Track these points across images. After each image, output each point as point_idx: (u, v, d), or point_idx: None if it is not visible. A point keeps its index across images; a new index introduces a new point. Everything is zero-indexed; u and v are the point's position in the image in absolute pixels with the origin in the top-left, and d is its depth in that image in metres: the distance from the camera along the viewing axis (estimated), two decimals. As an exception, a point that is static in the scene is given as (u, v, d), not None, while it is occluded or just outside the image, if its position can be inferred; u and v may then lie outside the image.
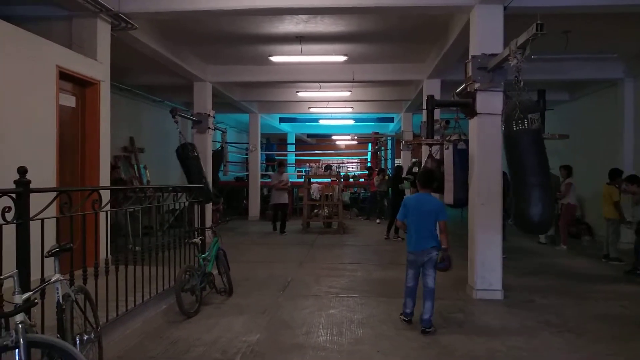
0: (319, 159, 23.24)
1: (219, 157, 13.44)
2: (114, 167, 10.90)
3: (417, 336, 4.86)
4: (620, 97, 10.70)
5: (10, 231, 3.12)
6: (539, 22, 4.72)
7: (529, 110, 5.06)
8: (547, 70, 10.06)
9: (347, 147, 27.01)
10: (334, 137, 25.46)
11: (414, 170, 14.62)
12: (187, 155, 9.63)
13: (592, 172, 11.92)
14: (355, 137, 21.46)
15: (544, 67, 9.82)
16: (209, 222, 9.82)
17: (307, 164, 18.85)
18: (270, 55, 9.89)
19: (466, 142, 7.07)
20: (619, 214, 8.56)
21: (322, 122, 21.30)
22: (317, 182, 14.57)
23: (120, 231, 8.59)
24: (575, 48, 8.32)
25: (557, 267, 8.44)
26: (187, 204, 6.78)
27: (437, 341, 4.72)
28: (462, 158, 7.07)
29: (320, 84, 12.92)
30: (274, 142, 24.75)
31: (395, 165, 16.36)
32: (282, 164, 14.11)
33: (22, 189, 3.17)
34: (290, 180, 20.64)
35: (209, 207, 11.12)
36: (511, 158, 5.34)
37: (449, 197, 7.63)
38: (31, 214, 3.25)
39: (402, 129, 16.09)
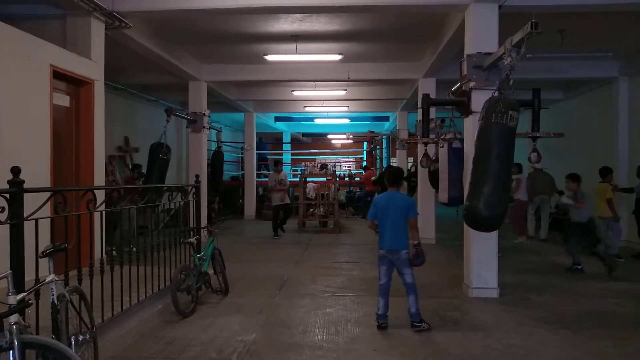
0: (315, 158, 23.21)
1: (219, 157, 13.44)
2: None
3: (413, 335, 4.86)
4: (614, 95, 10.75)
5: (4, 231, 3.10)
6: (534, 20, 4.72)
7: (510, 107, 5.04)
8: (542, 69, 10.09)
9: (343, 146, 27.02)
10: (329, 136, 25.45)
11: (412, 170, 14.71)
12: (157, 155, 9.54)
13: (587, 170, 11.94)
14: (351, 136, 21.45)
15: (539, 65, 9.86)
16: (204, 221, 9.79)
17: (303, 163, 18.78)
18: (266, 54, 9.86)
19: (461, 140, 7.07)
20: (612, 211, 8.58)
21: (317, 121, 21.28)
22: (312, 181, 14.56)
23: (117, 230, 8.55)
24: (570, 47, 8.36)
25: (553, 264, 8.48)
26: (181, 203, 6.77)
27: (433, 339, 4.72)
28: (456, 156, 7.07)
29: (316, 82, 12.91)
30: (267, 141, 24.64)
31: (389, 164, 16.38)
32: (279, 162, 13.25)
33: (16, 189, 3.14)
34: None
35: (204, 207, 11.09)
36: (479, 149, 5.27)
37: (443, 195, 7.63)
38: (25, 214, 3.22)
39: (397, 128, 16.10)
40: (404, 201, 5.13)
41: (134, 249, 5.34)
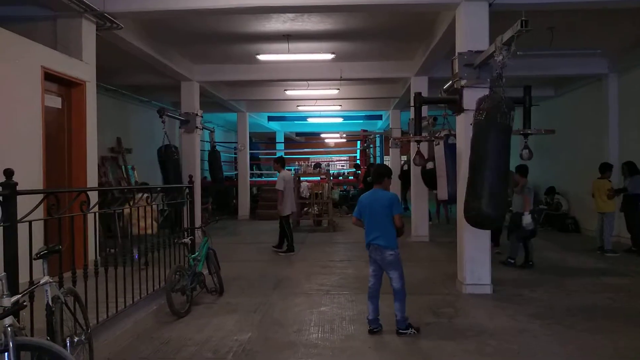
0: (308, 157, 23.23)
1: (216, 156, 13.50)
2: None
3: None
4: (604, 92, 10.83)
5: (-3, 234, 3.09)
6: (523, 18, 4.77)
7: (511, 108, 5.13)
8: (533, 66, 10.14)
9: (336, 144, 27.06)
10: (322, 135, 25.48)
11: (404, 168, 14.77)
12: (168, 157, 9.52)
13: (578, 166, 12.07)
14: (344, 135, 21.46)
15: (530, 63, 9.90)
16: (198, 222, 9.78)
17: (297, 163, 18.77)
18: (258, 54, 9.86)
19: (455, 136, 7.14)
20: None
21: (310, 120, 21.30)
22: (306, 181, 14.58)
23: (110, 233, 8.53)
24: (560, 44, 8.41)
25: (546, 260, 8.53)
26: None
27: (427, 336, 4.75)
28: (453, 153, 7.14)
29: (308, 82, 12.91)
30: (259, 140, 24.56)
31: (371, 163, 16.41)
32: (281, 160, 10.19)
33: (9, 191, 3.14)
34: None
35: (198, 207, 11.07)
36: (481, 149, 5.29)
37: (442, 192, 7.67)
38: (19, 216, 3.22)
39: (390, 126, 16.15)
40: (387, 198, 4.93)
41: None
